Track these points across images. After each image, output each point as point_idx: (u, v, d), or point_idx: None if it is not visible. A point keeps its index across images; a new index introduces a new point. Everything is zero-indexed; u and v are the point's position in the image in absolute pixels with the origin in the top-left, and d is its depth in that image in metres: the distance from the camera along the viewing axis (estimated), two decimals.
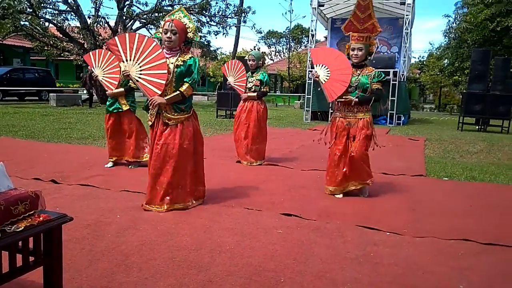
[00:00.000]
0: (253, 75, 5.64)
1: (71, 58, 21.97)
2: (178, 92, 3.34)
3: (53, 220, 1.83)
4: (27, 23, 18.39)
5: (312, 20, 15.48)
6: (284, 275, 2.38)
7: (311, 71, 4.16)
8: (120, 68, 4.87)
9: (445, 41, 25.49)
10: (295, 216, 3.47)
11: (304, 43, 44.30)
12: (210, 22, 21.34)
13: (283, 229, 3.14)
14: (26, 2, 16.46)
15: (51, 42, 19.26)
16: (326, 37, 23.49)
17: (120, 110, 5.09)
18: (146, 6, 19.71)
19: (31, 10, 17.20)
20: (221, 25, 21.47)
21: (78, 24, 19.18)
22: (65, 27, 18.98)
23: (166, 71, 3.24)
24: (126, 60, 3.26)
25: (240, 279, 2.32)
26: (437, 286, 2.33)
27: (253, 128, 5.62)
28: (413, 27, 15.35)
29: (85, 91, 18.29)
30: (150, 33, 20.40)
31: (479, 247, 2.95)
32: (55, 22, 18.47)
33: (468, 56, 18.66)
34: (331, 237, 3.03)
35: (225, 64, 5.88)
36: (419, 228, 3.30)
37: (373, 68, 4.03)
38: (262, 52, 6.23)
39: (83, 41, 18.97)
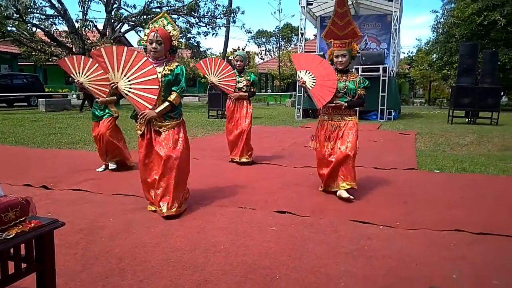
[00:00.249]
0: (241, 75, 5.66)
1: None
2: (167, 103, 3.36)
3: (45, 225, 1.82)
4: (14, 28, 18.22)
5: (301, 19, 15.53)
6: (279, 272, 2.39)
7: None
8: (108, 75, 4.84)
9: (434, 36, 25.69)
10: (288, 213, 3.49)
11: (294, 41, 44.39)
12: (199, 23, 21.30)
13: (277, 227, 3.15)
14: (12, 7, 16.28)
15: (39, 47, 19.07)
16: (315, 35, 23.58)
17: (111, 116, 5.08)
18: (134, 8, 19.67)
19: (17, 16, 17.03)
20: (210, 26, 21.44)
21: (66, 29, 19.04)
22: (52, 32, 18.84)
23: (158, 87, 3.23)
24: (114, 73, 3.21)
25: (236, 277, 2.32)
26: (431, 276, 2.35)
27: (248, 126, 5.66)
28: (401, 23, 15.46)
29: (74, 95, 18.12)
30: (139, 35, 20.34)
31: (471, 237, 2.98)
32: (43, 27, 18.31)
33: (456, 50, 18.80)
34: (325, 232, 3.05)
35: (201, 62, 5.70)
36: (411, 220, 3.33)
37: (357, 74, 4.11)
38: (246, 52, 6.18)
39: (71, 45, 18.82)
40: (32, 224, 1.78)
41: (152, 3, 19.45)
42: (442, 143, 8.10)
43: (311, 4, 15.59)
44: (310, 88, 3.90)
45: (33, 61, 21.31)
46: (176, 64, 3.45)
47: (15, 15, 16.89)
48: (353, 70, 12.08)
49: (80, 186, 4.33)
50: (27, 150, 6.77)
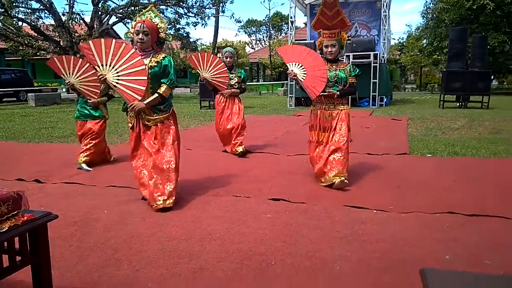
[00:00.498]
0: (232, 72, 5.63)
1: (48, 57, 21.47)
2: (157, 95, 3.32)
3: (38, 218, 1.81)
4: None
5: (290, 7, 15.41)
6: (274, 258, 2.41)
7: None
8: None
9: (423, 21, 25.71)
10: (283, 201, 3.50)
11: (284, 30, 44.17)
12: (188, 14, 21.09)
13: (272, 214, 3.17)
14: None
15: (26, 42, 18.77)
16: (305, 24, 23.46)
17: (104, 118, 5.05)
18: (122, 0, 19.37)
19: (2, 10, 16.74)
20: (199, 16, 21.24)
21: (52, 22, 18.75)
22: (39, 26, 18.55)
23: (146, 78, 3.20)
24: (102, 66, 3.19)
25: (232, 264, 2.34)
26: (424, 258, 2.38)
27: (241, 120, 5.64)
28: (391, 9, 15.44)
29: (64, 89, 17.92)
30: (127, 27, 20.09)
31: (463, 218, 3.02)
32: (29, 21, 18.03)
33: (446, 35, 18.82)
34: (319, 218, 3.07)
35: (193, 56, 5.58)
36: (404, 204, 3.36)
37: (347, 62, 4.09)
38: (234, 48, 6.12)
39: (59, 39, 18.56)
40: (25, 218, 1.77)
41: None
42: (433, 127, 8.16)
43: None
44: (302, 80, 3.88)
45: (20, 56, 21.00)
46: (163, 55, 3.40)
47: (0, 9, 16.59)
48: (344, 58, 12.07)
49: (73, 179, 4.31)
50: (18, 145, 6.70)
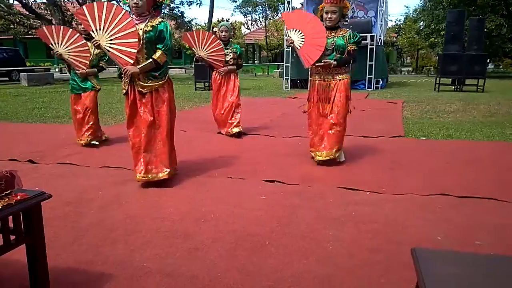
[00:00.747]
0: (227, 47, 5.53)
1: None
2: (151, 60, 3.24)
3: (31, 198, 1.80)
4: None
5: None
6: (269, 238, 2.43)
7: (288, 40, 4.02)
8: (89, 47, 4.71)
9: (421, 3, 25.47)
10: (278, 182, 3.52)
11: (280, 10, 43.53)
12: None
13: (266, 195, 3.18)
14: None
15: (17, 20, 18.44)
16: (302, 4, 23.14)
17: (94, 89, 4.98)
18: None
19: None
20: None
21: (44, 0, 18.34)
22: (30, 4, 18.15)
23: (137, 40, 3.14)
24: (96, 30, 3.15)
25: (226, 244, 2.36)
26: (416, 239, 2.42)
27: (235, 98, 5.59)
28: None
29: (57, 69, 17.67)
30: None
31: (455, 200, 3.06)
32: None
33: (444, 18, 18.70)
34: (314, 199, 3.09)
35: (188, 34, 5.43)
36: (398, 186, 3.39)
37: (347, 29, 3.98)
38: (230, 23, 5.95)
39: (51, 17, 18.20)
40: (19, 197, 1.76)
41: None
42: (428, 110, 8.17)
43: None
44: (298, 47, 3.82)
45: (12, 35, 20.61)
46: (160, 20, 3.30)
47: None
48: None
49: (67, 160, 4.29)
50: (11, 125, 6.64)
